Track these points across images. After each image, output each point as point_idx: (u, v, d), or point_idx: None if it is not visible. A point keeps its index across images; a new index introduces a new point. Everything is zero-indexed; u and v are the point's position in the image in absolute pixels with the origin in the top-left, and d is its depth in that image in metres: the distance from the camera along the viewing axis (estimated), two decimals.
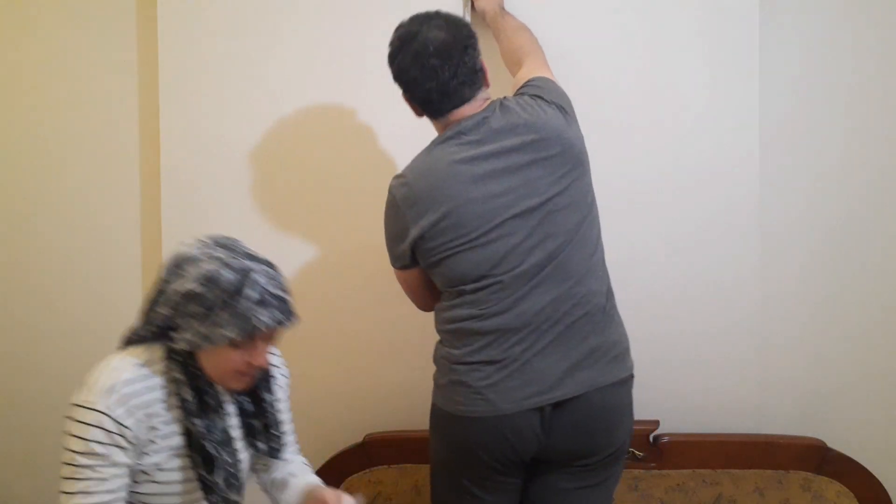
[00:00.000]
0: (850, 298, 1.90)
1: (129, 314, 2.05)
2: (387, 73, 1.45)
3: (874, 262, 1.89)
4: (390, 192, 1.44)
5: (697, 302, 1.85)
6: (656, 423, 1.83)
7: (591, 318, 1.37)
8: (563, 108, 1.43)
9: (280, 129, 1.90)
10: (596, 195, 1.47)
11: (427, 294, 1.51)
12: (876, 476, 1.80)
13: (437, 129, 1.46)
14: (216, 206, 1.92)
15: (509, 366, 1.36)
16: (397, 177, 1.45)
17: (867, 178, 1.88)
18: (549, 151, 1.37)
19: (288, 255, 1.92)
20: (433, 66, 1.36)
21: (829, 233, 1.89)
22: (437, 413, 1.46)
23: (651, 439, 1.83)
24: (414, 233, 1.39)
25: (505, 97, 1.44)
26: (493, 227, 1.35)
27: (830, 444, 1.83)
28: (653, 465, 1.83)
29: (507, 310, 1.35)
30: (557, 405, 1.36)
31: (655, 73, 1.82)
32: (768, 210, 1.86)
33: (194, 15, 1.90)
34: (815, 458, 1.81)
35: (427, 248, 1.39)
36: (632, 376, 1.44)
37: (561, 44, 1.78)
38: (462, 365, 1.39)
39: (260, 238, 1.91)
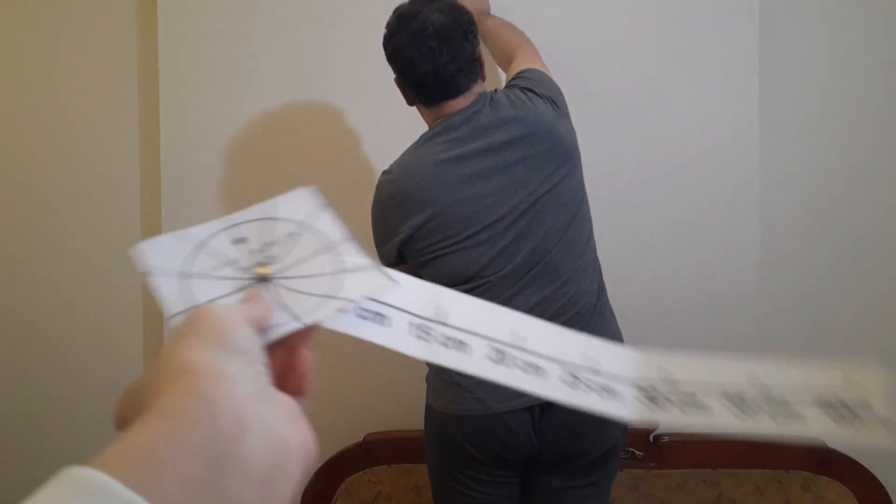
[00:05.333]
0: (849, 298, 1.90)
1: (129, 314, 2.09)
2: (387, 73, 1.44)
3: (875, 261, 1.89)
4: (378, 188, 1.42)
5: (697, 301, 1.85)
6: (656, 423, 1.83)
7: (581, 318, 1.35)
8: (555, 101, 1.39)
9: (281, 129, 1.90)
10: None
11: None
12: (876, 476, 1.80)
13: (428, 120, 1.43)
14: (216, 205, 1.92)
15: None
16: (385, 173, 1.41)
17: (869, 176, 1.88)
18: (538, 147, 1.34)
19: None
20: (431, 48, 1.32)
21: (829, 233, 1.89)
22: (429, 412, 1.45)
23: (651, 439, 1.83)
24: (402, 233, 1.37)
25: (496, 90, 1.41)
26: (481, 229, 1.33)
27: (830, 444, 1.83)
28: (653, 465, 1.83)
29: None
30: (547, 405, 1.33)
31: (655, 72, 1.82)
32: (768, 210, 1.86)
33: (194, 15, 1.89)
34: (815, 458, 1.81)
35: (415, 248, 1.37)
36: None
37: (561, 43, 1.78)
38: None
39: None
